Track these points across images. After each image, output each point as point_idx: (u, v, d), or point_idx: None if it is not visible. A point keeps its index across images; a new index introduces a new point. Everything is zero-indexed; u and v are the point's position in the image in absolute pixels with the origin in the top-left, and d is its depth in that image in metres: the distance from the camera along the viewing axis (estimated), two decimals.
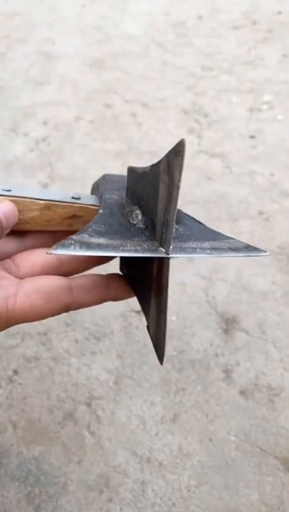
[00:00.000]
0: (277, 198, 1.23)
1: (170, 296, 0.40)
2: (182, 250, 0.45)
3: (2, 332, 1.12)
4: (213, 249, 0.48)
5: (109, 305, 1.24)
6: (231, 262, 1.22)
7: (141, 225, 0.49)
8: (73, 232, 0.46)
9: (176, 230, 0.48)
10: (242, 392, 0.91)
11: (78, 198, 0.54)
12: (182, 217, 0.51)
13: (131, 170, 0.54)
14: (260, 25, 1.98)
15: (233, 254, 0.48)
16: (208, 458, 0.82)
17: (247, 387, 0.92)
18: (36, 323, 1.14)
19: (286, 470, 0.80)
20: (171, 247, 0.43)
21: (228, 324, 1.11)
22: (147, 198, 0.49)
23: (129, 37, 1.95)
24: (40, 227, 0.53)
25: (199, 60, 1.81)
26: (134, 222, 0.49)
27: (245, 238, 1.25)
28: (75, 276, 0.51)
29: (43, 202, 0.52)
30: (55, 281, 0.47)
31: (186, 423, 0.87)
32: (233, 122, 1.49)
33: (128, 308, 1.16)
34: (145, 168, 0.50)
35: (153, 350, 0.43)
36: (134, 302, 1.15)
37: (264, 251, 0.48)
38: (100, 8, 2.13)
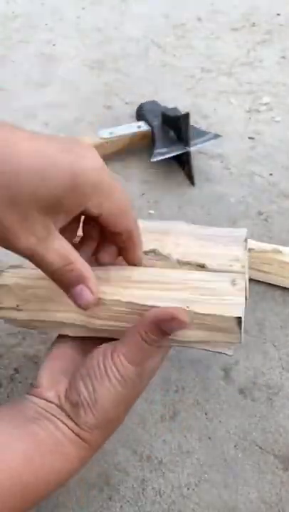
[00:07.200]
0: (276, 199, 1.24)
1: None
2: (193, 145, 1.18)
3: (3, 331, 1.13)
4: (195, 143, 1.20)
5: None
6: None
7: (174, 138, 1.20)
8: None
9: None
10: (241, 391, 0.92)
11: (140, 127, 1.24)
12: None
13: (164, 114, 1.24)
14: (259, 27, 1.99)
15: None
16: (208, 456, 0.83)
17: (246, 386, 0.93)
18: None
19: (285, 468, 0.81)
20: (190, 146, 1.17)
21: None
22: (175, 131, 1.20)
23: (129, 39, 1.96)
24: (131, 146, 1.26)
25: (198, 61, 1.82)
26: (171, 136, 1.20)
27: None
28: None
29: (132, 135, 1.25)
30: None
31: (185, 421, 0.88)
32: (232, 123, 1.50)
33: None
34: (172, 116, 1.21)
35: None
36: None
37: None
38: (100, 10, 2.14)
